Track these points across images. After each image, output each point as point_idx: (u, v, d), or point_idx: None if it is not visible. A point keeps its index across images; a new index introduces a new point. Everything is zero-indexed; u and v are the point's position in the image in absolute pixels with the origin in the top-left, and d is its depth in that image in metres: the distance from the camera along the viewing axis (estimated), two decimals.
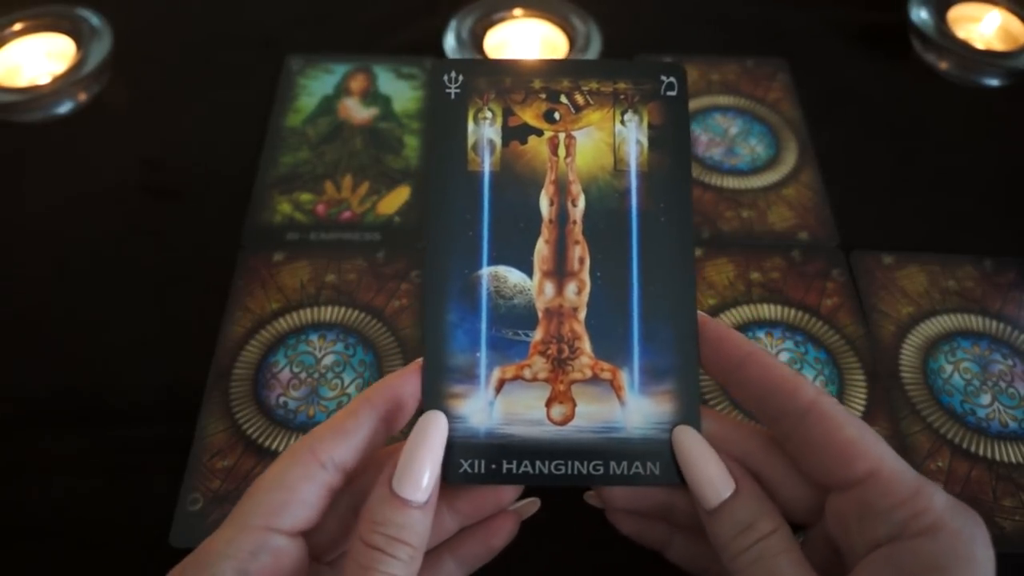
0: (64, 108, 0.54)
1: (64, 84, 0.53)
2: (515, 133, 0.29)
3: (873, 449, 0.26)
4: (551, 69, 0.30)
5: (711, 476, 0.27)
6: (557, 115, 0.30)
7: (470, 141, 0.29)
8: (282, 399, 0.41)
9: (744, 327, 0.44)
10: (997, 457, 0.40)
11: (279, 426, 0.40)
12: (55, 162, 0.52)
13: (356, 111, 0.55)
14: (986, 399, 0.42)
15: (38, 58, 0.56)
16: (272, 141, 0.53)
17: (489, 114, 0.30)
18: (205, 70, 0.58)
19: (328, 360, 0.43)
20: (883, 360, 0.43)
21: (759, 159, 0.53)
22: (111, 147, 0.53)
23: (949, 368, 0.43)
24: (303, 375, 0.42)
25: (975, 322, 0.45)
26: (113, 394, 0.42)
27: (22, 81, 0.55)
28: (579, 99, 0.30)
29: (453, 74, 0.30)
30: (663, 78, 0.30)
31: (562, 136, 0.29)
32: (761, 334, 0.44)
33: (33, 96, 0.53)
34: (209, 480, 0.38)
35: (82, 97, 0.55)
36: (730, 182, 0.51)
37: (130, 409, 0.41)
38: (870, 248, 0.48)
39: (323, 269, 0.46)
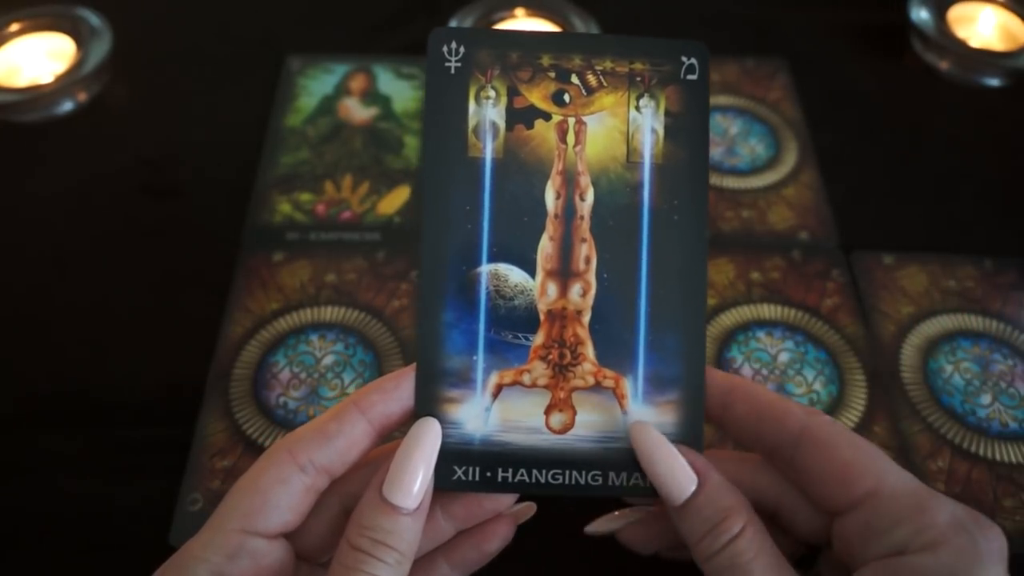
0: (64, 108, 0.54)
1: (64, 84, 0.53)
2: (520, 116, 0.27)
3: (871, 467, 0.25)
4: (562, 43, 0.27)
5: (673, 472, 0.26)
6: (567, 97, 0.27)
7: (471, 123, 0.27)
8: (282, 399, 0.41)
9: (744, 327, 0.44)
10: (997, 457, 0.40)
11: (279, 426, 0.40)
12: (55, 162, 0.52)
13: (356, 111, 0.55)
14: (986, 399, 0.42)
15: (38, 58, 0.56)
16: (272, 141, 0.53)
17: (492, 93, 0.27)
18: (205, 70, 0.58)
19: (328, 360, 0.43)
20: (883, 360, 0.43)
21: (759, 159, 0.53)
22: (111, 147, 0.53)
23: (949, 368, 0.43)
24: (303, 375, 0.42)
25: (975, 322, 0.45)
26: (113, 394, 0.42)
27: (22, 81, 0.55)
28: (591, 80, 0.27)
29: (453, 45, 0.27)
30: (684, 59, 0.27)
31: (572, 121, 0.27)
32: (761, 334, 0.44)
33: (33, 96, 0.53)
34: (209, 480, 0.38)
35: (82, 97, 0.55)
36: (730, 182, 0.51)
37: (130, 409, 0.41)
38: (870, 248, 0.48)
39: (323, 269, 0.46)
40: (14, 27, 0.56)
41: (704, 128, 0.27)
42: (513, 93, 0.27)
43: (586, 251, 0.27)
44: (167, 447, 0.40)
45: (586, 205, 0.27)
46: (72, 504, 0.38)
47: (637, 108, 0.27)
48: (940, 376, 0.43)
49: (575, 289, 0.27)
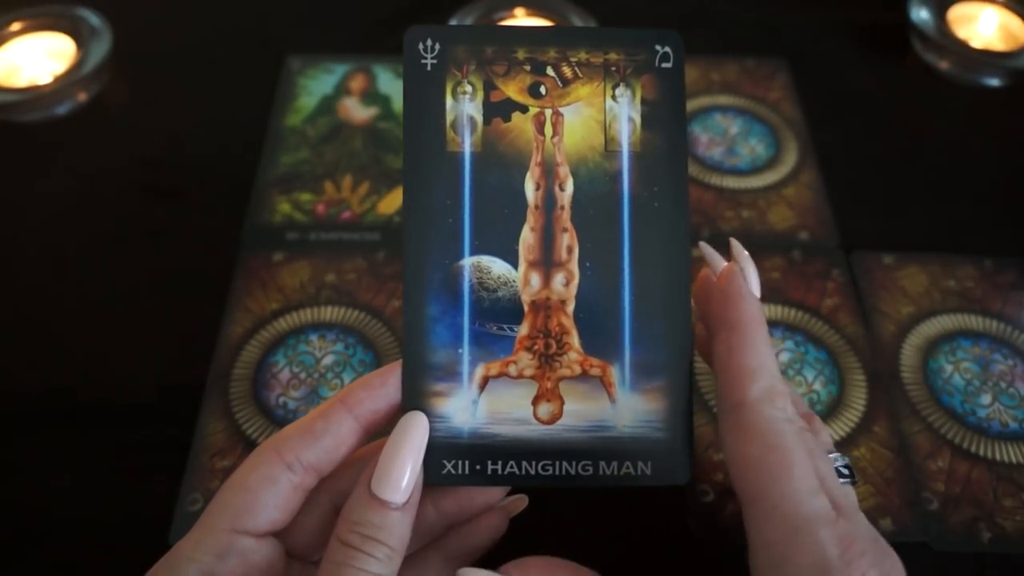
0: (64, 108, 0.54)
1: (64, 84, 0.53)
2: (497, 109, 0.27)
3: (767, 475, 0.24)
4: (537, 36, 0.28)
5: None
6: (543, 89, 0.27)
7: (448, 118, 0.27)
8: (282, 399, 0.41)
9: None
10: (997, 457, 0.40)
11: (279, 426, 0.40)
12: (55, 162, 0.52)
13: (356, 111, 0.55)
14: (986, 399, 0.42)
15: (38, 58, 0.56)
16: (272, 141, 0.53)
17: (469, 88, 0.27)
18: (205, 70, 0.58)
19: (328, 360, 0.43)
20: (883, 360, 0.43)
21: (759, 159, 0.53)
22: (111, 147, 0.53)
23: (949, 368, 0.43)
24: (303, 375, 0.42)
25: (975, 322, 0.45)
26: (113, 394, 0.42)
27: (22, 81, 0.55)
28: (567, 71, 0.27)
29: (429, 42, 0.27)
30: (658, 47, 0.28)
31: (548, 113, 0.27)
32: None
33: (33, 96, 0.53)
34: (209, 480, 0.38)
35: (82, 97, 0.55)
36: (730, 182, 0.51)
37: (130, 409, 0.41)
38: (870, 248, 0.48)
39: (323, 269, 0.46)
40: (14, 27, 0.56)
41: (680, 115, 0.27)
42: (489, 87, 0.27)
43: (568, 241, 0.27)
44: (167, 447, 0.40)
45: (566, 195, 0.27)
46: (72, 504, 0.38)
47: (613, 97, 0.27)
48: (940, 376, 0.43)
49: (558, 279, 0.27)
